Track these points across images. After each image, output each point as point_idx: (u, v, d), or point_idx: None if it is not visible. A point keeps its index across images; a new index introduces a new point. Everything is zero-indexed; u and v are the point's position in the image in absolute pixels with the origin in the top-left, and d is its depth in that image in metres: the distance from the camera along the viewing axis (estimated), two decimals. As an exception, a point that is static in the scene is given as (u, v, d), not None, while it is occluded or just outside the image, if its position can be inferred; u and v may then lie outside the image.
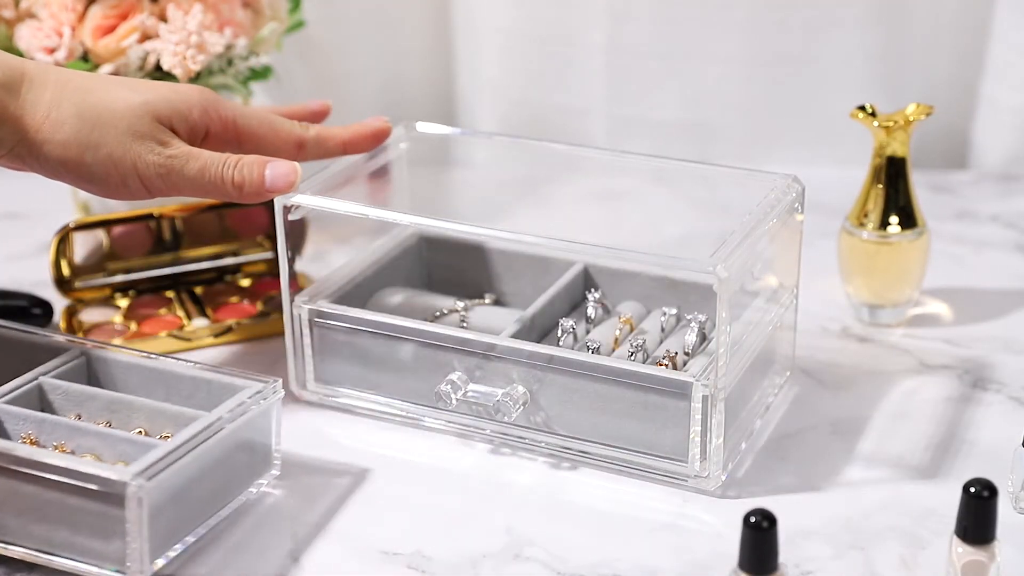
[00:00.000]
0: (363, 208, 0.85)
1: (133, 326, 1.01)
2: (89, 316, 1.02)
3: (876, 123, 0.95)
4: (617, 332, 0.88)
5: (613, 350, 0.87)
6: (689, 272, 0.88)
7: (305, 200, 0.85)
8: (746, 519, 0.63)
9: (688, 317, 0.88)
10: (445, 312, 0.92)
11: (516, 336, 0.84)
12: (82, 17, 1.02)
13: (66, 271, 1.02)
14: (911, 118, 0.95)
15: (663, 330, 0.89)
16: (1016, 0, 1.23)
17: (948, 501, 0.75)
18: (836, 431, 0.88)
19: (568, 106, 1.33)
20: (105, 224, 1.02)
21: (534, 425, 0.83)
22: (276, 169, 0.82)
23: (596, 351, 0.84)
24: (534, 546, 0.77)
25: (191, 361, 0.83)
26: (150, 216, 1.03)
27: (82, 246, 1.03)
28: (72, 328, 1.00)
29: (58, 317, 1.02)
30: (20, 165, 0.81)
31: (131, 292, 1.05)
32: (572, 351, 0.83)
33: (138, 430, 0.80)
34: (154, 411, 0.80)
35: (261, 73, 1.07)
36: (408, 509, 0.81)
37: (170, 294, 1.05)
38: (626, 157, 0.96)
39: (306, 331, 0.88)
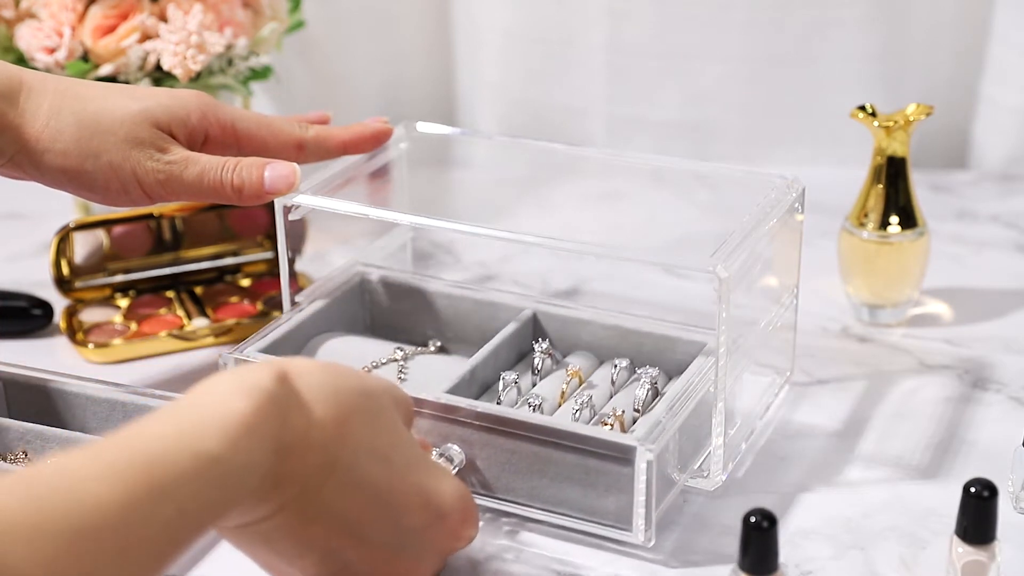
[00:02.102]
0: (363, 208, 0.85)
1: (133, 326, 1.01)
2: (89, 316, 1.02)
3: (876, 123, 0.95)
4: (564, 386, 0.83)
5: (559, 405, 0.82)
6: (644, 321, 0.86)
7: (305, 200, 0.85)
8: (746, 519, 0.63)
9: (639, 371, 0.83)
10: (383, 361, 0.87)
11: (453, 391, 0.79)
12: (82, 17, 1.02)
13: (66, 271, 1.02)
14: (911, 118, 0.95)
15: (613, 383, 0.84)
16: (1016, 0, 1.23)
17: (948, 501, 0.75)
18: (836, 431, 0.88)
19: (568, 106, 1.33)
20: (105, 224, 1.02)
21: (471, 488, 0.77)
22: (275, 171, 0.82)
23: (538, 408, 0.80)
24: (534, 546, 0.77)
25: (111, 384, 0.82)
26: (150, 216, 1.03)
27: (82, 246, 1.03)
28: (72, 328, 1.00)
29: (58, 317, 1.02)
30: (20, 174, 0.81)
31: (131, 292, 1.05)
32: (509, 409, 0.78)
33: None
34: (67, 441, 0.79)
35: (261, 73, 1.07)
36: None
37: (170, 294, 1.05)
38: (626, 157, 0.96)
39: None
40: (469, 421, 0.76)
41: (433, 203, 1.06)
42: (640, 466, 0.72)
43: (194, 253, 1.06)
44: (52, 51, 1.01)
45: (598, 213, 1.20)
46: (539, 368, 0.85)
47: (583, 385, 0.84)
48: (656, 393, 0.82)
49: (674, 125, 1.31)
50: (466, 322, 0.90)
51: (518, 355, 0.88)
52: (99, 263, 1.04)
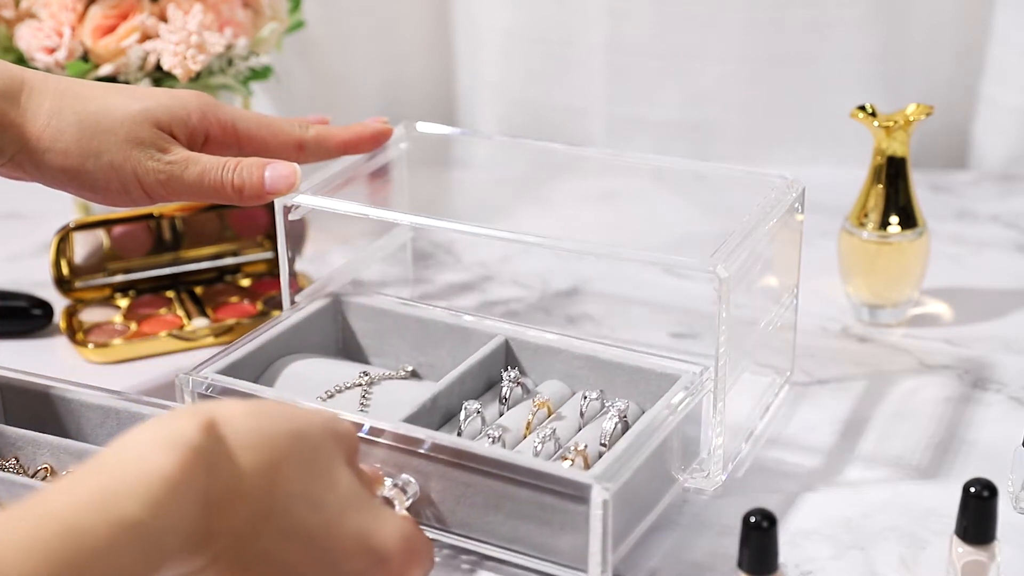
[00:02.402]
0: (363, 208, 0.85)
1: (133, 326, 1.01)
2: (89, 316, 1.02)
3: (876, 123, 0.95)
4: (531, 416, 0.80)
5: (524, 436, 0.79)
6: (616, 352, 0.83)
7: (305, 200, 0.85)
8: (746, 519, 0.63)
9: (608, 404, 0.81)
10: (347, 386, 0.83)
11: (413, 419, 0.76)
12: (82, 17, 1.02)
13: (66, 271, 1.02)
14: (911, 118, 0.95)
15: (583, 415, 0.80)
16: (1016, 0, 1.23)
17: (948, 501, 0.75)
18: (836, 431, 0.88)
19: (568, 106, 1.33)
20: (105, 224, 1.02)
21: (425, 520, 0.75)
22: (275, 171, 0.82)
23: (499, 440, 0.76)
24: (534, 546, 0.77)
25: (106, 390, 0.81)
26: (150, 216, 1.03)
27: (82, 246, 1.03)
28: (72, 328, 1.00)
29: (58, 317, 1.02)
30: (21, 174, 0.81)
31: (131, 292, 1.05)
32: (464, 441, 0.75)
33: (44, 466, 0.78)
34: (59, 448, 0.78)
35: (261, 73, 1.07)
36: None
37: (170, 294, 1.05)
38: (626, 157, 0.96)
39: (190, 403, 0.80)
40: (425, 452, 0.73)
41: (433, 203, 1.06)
42: (596, 505, 0.69)
43: (194, 253, 1.06)
44: (52, 51, 1.01)
45: (598, 213, 1.20)
46: (507, 397, 0.82)
47: (551, 416, 0.81)
48: (626, 426, 0.78)
49: (674, 125, 1.31)
50: (438, 347, 0.87)
51: (487, 383, 0.84)
52: (99, 263, 1.04)
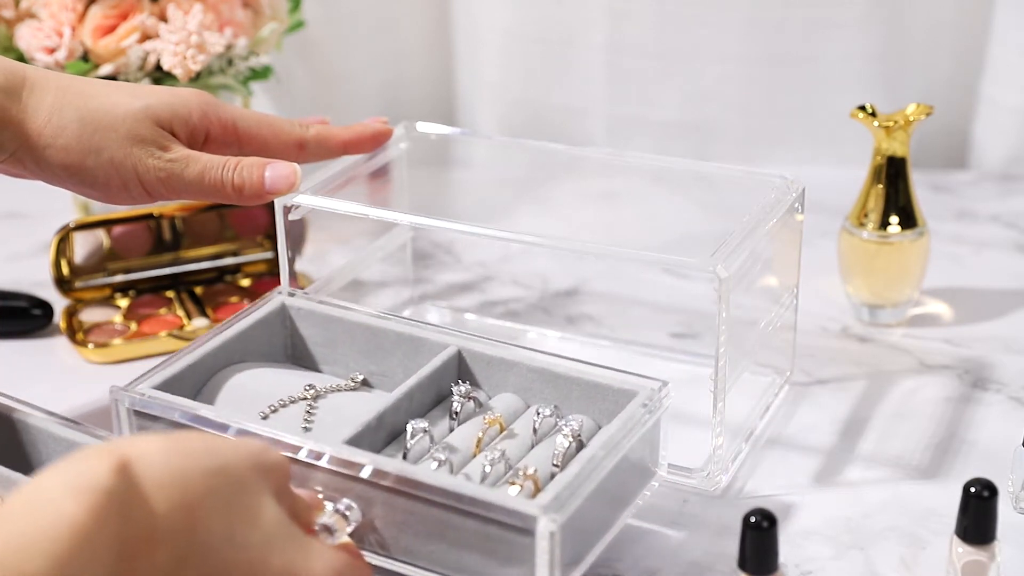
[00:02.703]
0: (363, 208, 0.85)
1: (133, 326, 1.01)
2: (89, 316, 1.02)
3: (876, 123, 0.95)
4: (481, 434, 0.76)
5: (474, 455, 0.75)
6: (572, 367, 0.79)
7: (305, 200, 0.85)
8: (746, 519, 0.63)
9: (561, 422, 0.77)
10: (292, 400, 0.80)
11: (356, 440, 0.73)
12: (82, 17, 1.02)
13: (66, 271, 1.02)
14: (911, 118, 0.95)
15: (535, 432, 0.77)
16: (1016, 0, 1.23)
17: (948, 501, 0.75)
18: (836, 431, 0.88)
19: (568, 106, 1.33)
20: (105, 224, 1.02)
21: (368, 546, 0.71)
22: (276, 171, 0.82)
23: (445, 463, 0.72)
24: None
25: (70, 422, 0.77)
26: (150, 216, 1.03)
27: (82, 246, 1.03)
28: (72, 328, 1.00)
29: (58, 317, 1.02)
30: (21, 171, 0.81)
31: (131, 292, 1.05)
32: (406, 466, 0.70)
33: None
34: (9, 480, 0.73)
35: (261, 73, 1.07)
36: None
37: (170, 294, 1.05)
38: (626, 157, 0.96)
39: (126, 422, 0.77)
40: (361, 478, 0.70)
41: (433, 203, 1.06)
42: (542, 537, 0.66)
43: (194, 253, 1.06)
44: (52, 51, 1.01)
45: (598, 213, 1.20)
46: (458, 412, 0.78)
47: (503, 433, 0.77)
48: (580, 445, 0.74)
49: (674, 125, 1.31)
50: (389, 356, 0.83)
51: (437, 396, 0.80)
52: (99, 263, 1.04)
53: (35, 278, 1.07)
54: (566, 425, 0.75)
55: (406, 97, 1.39)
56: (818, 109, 1.29)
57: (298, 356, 0.87)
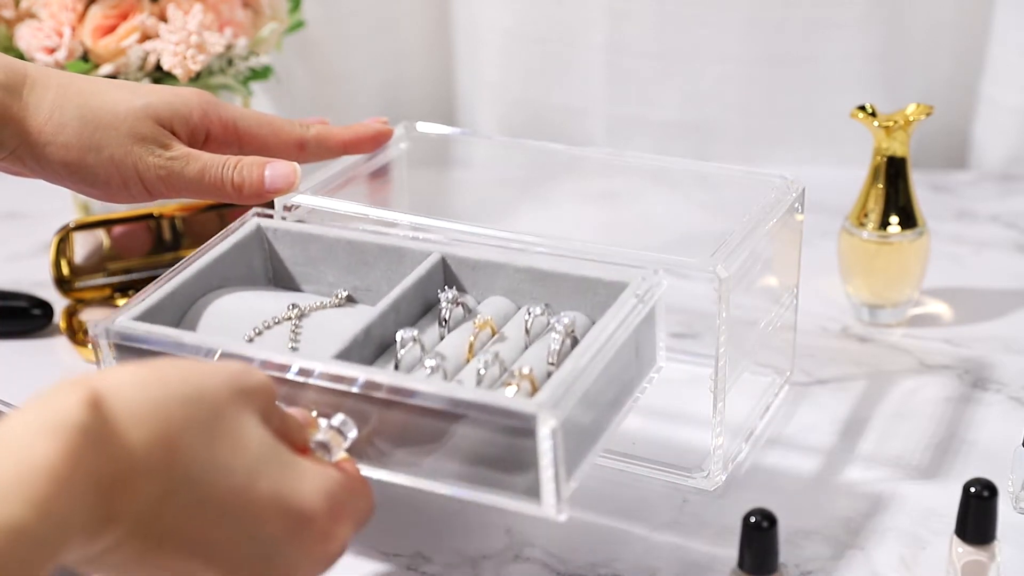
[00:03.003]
0: (363, 208, 0.85)
1: (133, 326, 1.01)
2: (89, 316, 1.02)
3: (876, 123, 0.95)
4: (472, 339, 0.75)
5: (467, 360, 0.74)
6: (560, 262, 0.77)
7: (305, 200, 0.85)
8: (746, 519, 0.63)
9: (553, 319, 0.76)
10: (275, 321, 0.78)
11: (344, 354, 0.72)
12: (82, 17, 1.02)
13: (66, 271, 1.02)
14: (911, 118, 0.95)
15: (528, 333, 0.76)
16: (1016, 0, 1.23)
17: (948, 501, 0.75)
18: (836, 431, 0.88)
19: (568, 106, 1.33)
20: (105, 224, 1.02)
21: (367, 460, 0.70)
22: (275, 170, 0.82)
23: (438, 369, 0.71)
24: (534, 547, 0.77)
25: None
26: (150, 216, 1.03)
27: (82, 246, 1.03)
28: (72, 328, 1.00)
29: (58, 317, 1.02)
30: (21, 169, 0.81)
31: (131, 292, 1.05)
32: (397, 376, 0.69)
33: None
34: None
35: (261, 73, 1.07)
36: (408, 509, 0.81)
37: (170, 294, 1.05)
38: (626, 157, 0.96)
39: (108, 358, 0.75)
40: (359, 391, 0.68)
41: (433, 203, 1.06)
42: (543, 436, 0.64)
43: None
44: (52, 51, 1.01)
45: (598, 213, 1.20)
46: (447, 319, 0.77)
47: (495, 337, 0.76)
48: (575, 342, 0.73)
49: (674, 125, 1.31)
50: (372, 269, 0.81)
51: (425, 306, 0.79)
52: (99, 263, 1.04)
53: (35, 278, 1.07)
54: (558, 322, 0.74)
55: (406, 97, 1.39)
56: (818, 109, 1.29)
57: (278, 278, 0.85)
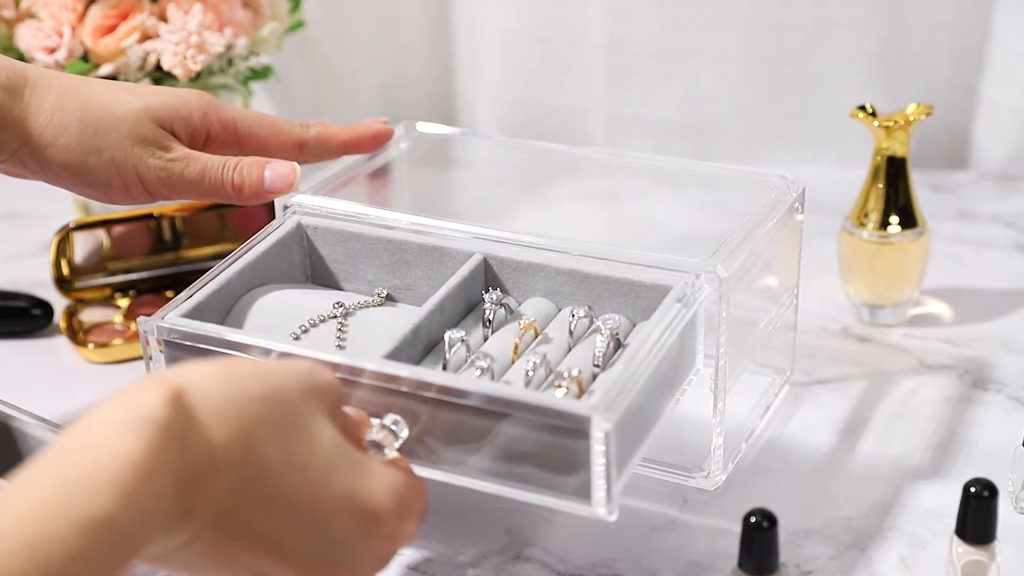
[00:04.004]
0: (363, 208, 0.85)
1: (133, 326, 1.01)
2: (89, 316, 1.02)
3: (876, 123, 0.95)
4: (517, 340, 0.76)
5: (512, 362, 0.75)
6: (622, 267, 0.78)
7: (305, 200, 0.85)
8: (746, 519, 0.63)
9: (598, 320, 0.77)
10: (322, 319, 0.79)
11: (394, 354, 0.72)
12: (82, 17, 1.02)
13: (66, 271, 1.02)
14: (911, 118, 0.95)
15: (571, 334, 0.77)
16: (1016, 0, 1.23)
17: (948, 501, 0.75)
18: (836, 431, 0.88)
19: (568, 106, 1.33)
20: (105, 224, 1.02)
21: (417, 460, 0.70)
22: (275, 170, 0.82)
23: (487, 371, 0.72)
24: (534, 547, 0.77)
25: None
26: (150, 216, 1.03)
27: (82, 246, 1.03)
28: (72, 328, 1.00)
29: (58, 317, 1.02)
30: (22, 171, 0.81)
31: (131, 292, 1.05)
32: (450, 377, 0.70)
33: None
34: None
35: (261, 73, 1.07)
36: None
37: (170, 294, 1.05)
38: (626, 157, 0.96)
39: (156, 354, 0.75)
40: (410, 391, 0.69)
41: (433, 203, 1.06)
42: (597, 438, 0.65)
43: (194, 253, 1.06)
44: (52, 51, 1.01)
45: (598, 213, 1.20)
46: (490, 320, 0.78)
47: (539, 338, 0.77)
48: (618, 344, 0.75)
49: (674, 125, 1.31)
50: (412, 269, 0.82)
51: (467, 306, 0.80)
52: (99, 263, 1.04)
53: (35, 278, 1.07)
54: (603, 324, 0.75)
55: (406, 97, 1.39)
56: (818, 109, 1.29)
57: (317, 276, 0.86)
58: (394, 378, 0.69)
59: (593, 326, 0.78)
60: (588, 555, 0.76)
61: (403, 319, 0.76)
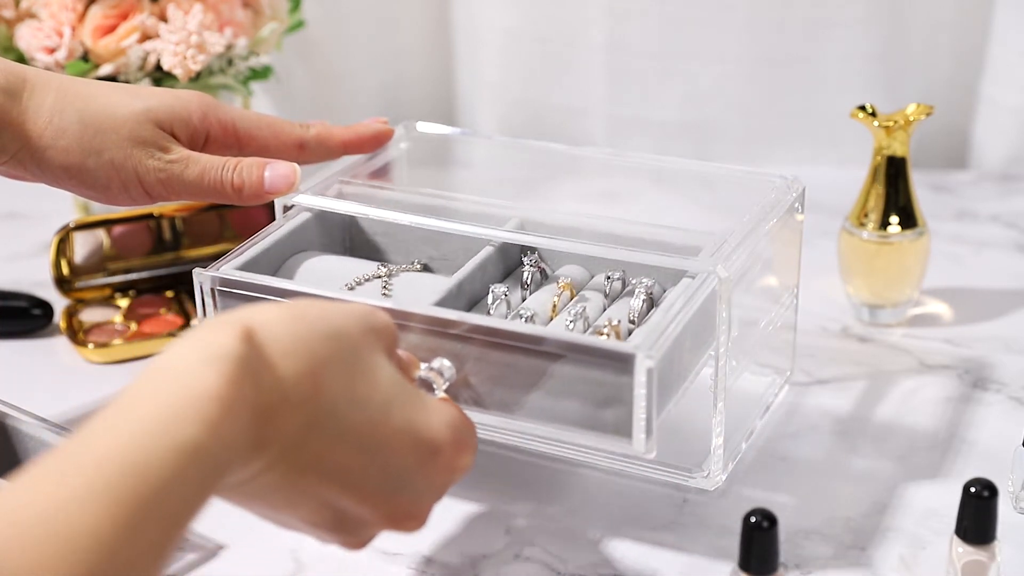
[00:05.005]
0: (363, 208, 0.85)
1: (133, 326, 1.01)
2: (89, 316, 1.02)
3: (876, 123, 0.95)
4: (555, 299, 0.80)
5: (551, 319, 0.79)
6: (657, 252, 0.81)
7: (305, 200, 0.85)
8: (746, 519, 0.63)
9: (633, 281, 0.81)
10: (367, 278, 0.83)
11: (440, 304, 0.77)
12: (82, 17, 1.02)
13: (66, 271, 1.02)
14: (911, 118, 0.95)
15: (607, 296, 0.82)
16: (1016, 0, 1.23)
17: (948, 501, 0.75)
18: (836, 431, 0.88)
19: (568, 106, 1.33)
20: (105, 224, 1.03)
21: (463, 403, 0.74)
22: (275, 171, 0.82)
23: (530, 320, 0.77)
24: (534, 547, 0.77)
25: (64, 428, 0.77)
26: (150, 216, 1.03)
27: (82, 246, 1.03)
28: (72, 328, 1.00)
29: (58, 317, 1.02)
30: (23, 173, 0.81)
31: (131, 292, 1.05)
32: (501, 320, 0.75)
33: None
34: None
35: (261, 73, 1.07)
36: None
37: (170, 294, 1.05)
38: (626, 157, 0.96)
39: (208, 303, 0.79)
40: (459, 334, 0.72)
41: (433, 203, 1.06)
42: (640, 374, 0.69)
43: (194, 253, 1.06)
44: (52, 51, 1.01)
45: (598, 213, 1.20)
46: (529, 282, 0.82)
47: (575, 298, 0.81)
48: (651, 304, 0.79)
49: (674, 125, 1.31)
50: (449, 239, 0.85)
51: (505, 271, 0.84)
52: (99, 263, 1.04)
53: (35, 278, 1.07)
54: (639, 284, 0.80)
55: (406, 97, 1.39)
56: (818, 109, 1.29)
57: (356, 247, 0.89)
58: (444, 322, 0.73)
59: (627, 287, 0.82)
60: (588, 555, 0.76)
61: (445, 280, 0.80)
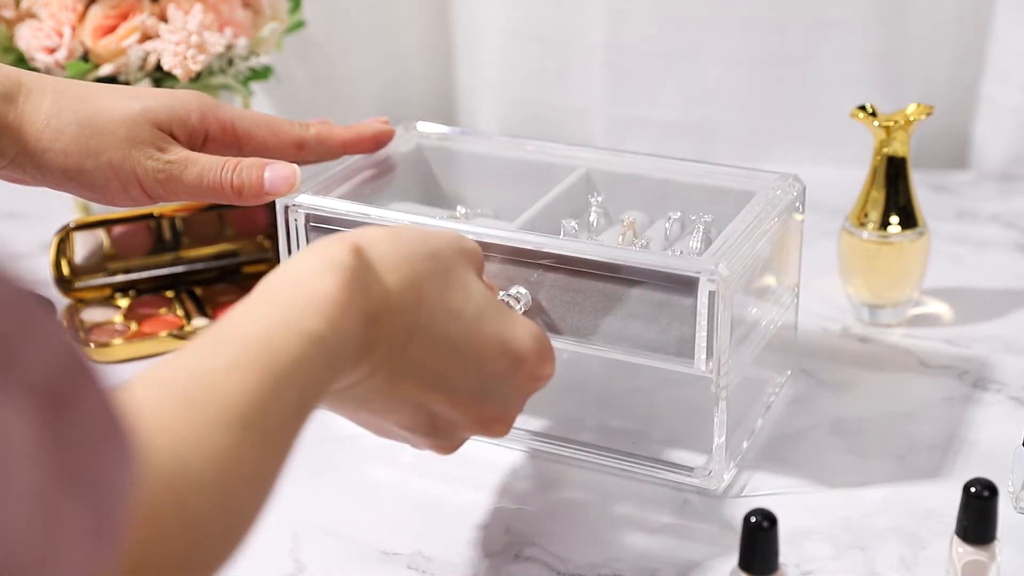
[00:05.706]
0: (363, 208, 0.85)
1: (133, 326, 1.01)
2: (89, 316, 1.02)
3: (876, 123, 0.95)
4: (620, 238, 0.86)
5: None
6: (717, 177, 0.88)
7: (305, 200, 0.85)
8: (746, 519, 0.63)
9: (693, 218, 0.86)
10: (444, 219, 0.86)
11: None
12: (82, 17, 1.02)
13: (66, 271, 1.03)
14: (911, 118, 0.95)
15: (667, 237, 0.86)
16: (1016, 0, 1.23)
17: (948, 501, 0.75)
18: (836, 431, 0.88)
19: (568, 106, 1.33)
20: (105, 224, 1.03)
21: None
22: (275, 171, 0.82)
23: None
24: (534, 546, 0.77)
25: None
26: (150, 216, 1.03)
27: (82, 246, 1.03)
28: (72, 328, 1.00)
29: (58, 317, 1.02)
30: (22, 176, 0.81)
31: (131, 292, 1.05)
32: (577, 243, 0.79)
33: None
34: None
35: (261, 73, 1.07)
36: (408, 508, 0.81)
37: (170, 294, 1.05)
38: (626, 157, 0.96)
39: (303, 241, 0.84)
40: (535, 262, 0.78)
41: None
42: (702, 295, 0.74)
43: (194, 253, 1.06)
44: (52, 51, 1.01)
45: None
46: (594, 223, 0.87)
47: (639, 238, 0.86)
48: (709, 242, 0.82)
49: (674, 125, 1.31)
50: (519, 185, 0.90)
51: (572, 213, 0.88)
52: (99, 263, 1.04)
53: (35, 278, 1.07)
54: (699, 221, 0.84)
55: (406, 97, 1.39)
56: (818, 109, 1.29)
57: (431, 197, 0.94)
58: (522, 251, 0.78)
59: (687, 227, 0.86)
60: (588, 555, 0.76)
61: (518, 221, 0.84)
